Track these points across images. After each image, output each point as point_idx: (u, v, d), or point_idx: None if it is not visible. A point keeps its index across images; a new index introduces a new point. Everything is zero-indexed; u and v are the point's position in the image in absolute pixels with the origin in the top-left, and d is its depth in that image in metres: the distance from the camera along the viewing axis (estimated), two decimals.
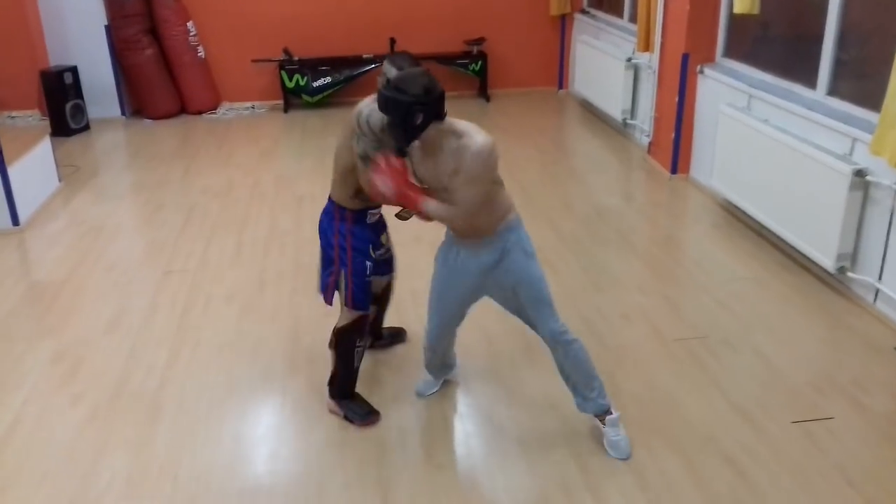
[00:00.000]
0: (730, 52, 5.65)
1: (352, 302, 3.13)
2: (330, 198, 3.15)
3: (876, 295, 3.98)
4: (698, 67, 5.72)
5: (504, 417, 3.26)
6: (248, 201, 5.69)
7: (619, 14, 7.45)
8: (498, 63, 8.57)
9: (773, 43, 5.49)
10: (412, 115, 2.59)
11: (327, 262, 3.18)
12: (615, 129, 7.27)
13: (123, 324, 4.04)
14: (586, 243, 4.90)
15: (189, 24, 7.87)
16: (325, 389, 3.29)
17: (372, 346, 3.64)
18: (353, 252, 3.11)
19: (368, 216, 3.14)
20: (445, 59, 8.32)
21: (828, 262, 4.14)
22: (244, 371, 3.61)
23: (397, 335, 3.82)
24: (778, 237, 4.68)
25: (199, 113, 8.12)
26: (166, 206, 5.64)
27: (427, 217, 2.78)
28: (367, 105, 2.91)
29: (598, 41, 7.60)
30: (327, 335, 3.72)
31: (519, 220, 2.93)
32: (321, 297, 3.25)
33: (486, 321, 3.83)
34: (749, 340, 3.80)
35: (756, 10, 4.87)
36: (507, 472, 2.95)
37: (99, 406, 3.37)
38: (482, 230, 2.85)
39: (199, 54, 7.98)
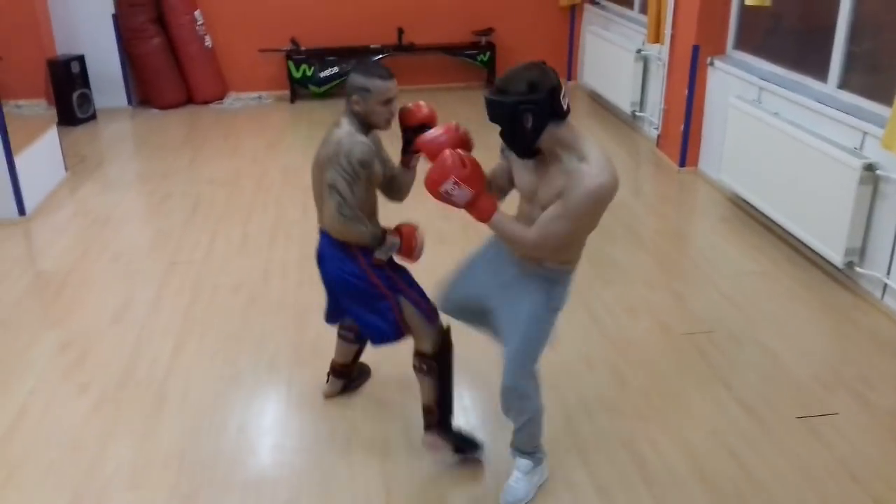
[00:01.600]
0: (741, 44, 5.61)
1: (430, 316, 2.83)
2: (338, 243, 2.76)
3: (884, 290, 3.95)
4: (709, 59, 5.68)
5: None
6: (255, 192, 5.69)
7: (630, 5, 7.40)
8: (506, 54, 8.51)
9: (784, 35, 5.45)
10: (520, 117, 2.22)
11: (376, 305, 2.80)
12: (624, 122, 7.23)
13: (129, 314, 4.05)
14: (593, 237, 4.79)
15: (196, 12, 7.85)
16: (422, 427, 2.95)
17: (344, 391, 3.36)
18: (395, 273, 2.83)
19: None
20: (453, 50, 8.30)
21: (836, 257, 4.11)
22: (250, 362, 3.61)
23: (366, 372, 3.47)
24: (786, 231, 4.66)
25: (206, 103, 8.11)
26: (172, 196, 5.64)
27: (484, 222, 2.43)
28: (350, 136, 2.67)
29: (607, 32, 7.56)
30: (332, 326, 3.55)
31: (569, 275, 2.58)
32: (382, 345, 2.89)
33: None
34: (755, 335, 3.79)
35: (768, 2, 4.83)
36: (510, 465, 2.95)
37: (105, 395, 3.38)
38: (533, 257, 2.51)
39: (206, 44, 7.96)
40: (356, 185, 2.66)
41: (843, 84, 4.45)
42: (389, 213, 3.05)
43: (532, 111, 2.22)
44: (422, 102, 2.85)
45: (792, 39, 5.35)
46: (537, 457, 2.79)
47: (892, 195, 3.85)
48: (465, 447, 2.95)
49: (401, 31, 8.16)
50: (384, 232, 2.80)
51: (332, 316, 3.11)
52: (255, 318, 3.98)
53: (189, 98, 8.09)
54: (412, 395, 3.33)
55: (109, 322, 3.98)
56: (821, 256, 4.32)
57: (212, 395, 3.38)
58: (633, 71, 6.73)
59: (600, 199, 2.27)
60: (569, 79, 8.79)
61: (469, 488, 2.86)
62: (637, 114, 6.88)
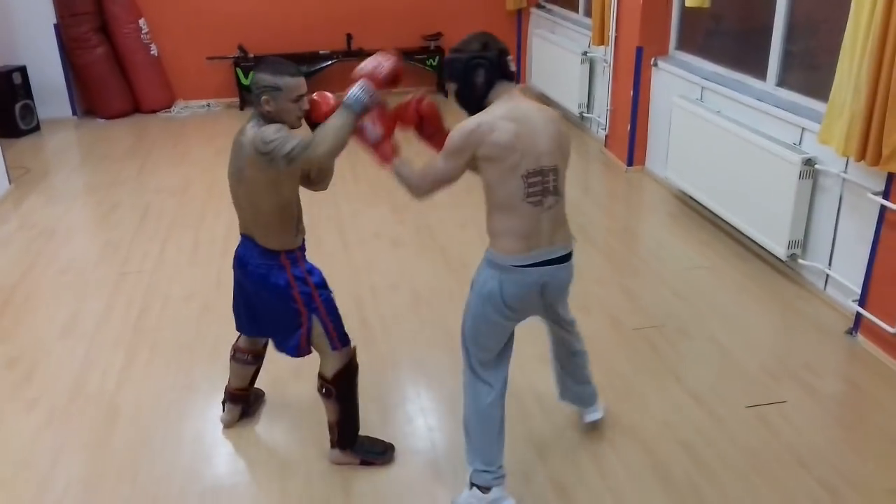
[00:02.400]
0: (683, 44, 5.73)
1: (339, 341, 2.82)
2: (264, 250, 2.71)
3: (826, 281, 4.08)
4: (652, 60, 5.79)
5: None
6: (205, 199, 5.63)
7: (575, 8, 7.51)
8: None
9: (724, 35, 5.58)
10: (472, 71, 2.48)
11: (287, 320, 2.78)
12: (572, 123, 7.33)
13: (78, 327, 3.97)
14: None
15: (141, 21, 7.74)
16: (327, 445, 2.99)
17: (242, 418, 3.24)
18: (317, 291, 2.77)
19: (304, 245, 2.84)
20: (403, 55, 8.28)
21: (779, 250, 4.23)
22: (203, 371, 3.58)
23: (260, 396, 3.37)
24: (731, 226, 4.77)
25: (153, 112, 8.00)
26: (121, 207, 5.55)
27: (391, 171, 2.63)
28: (252, 130, 2.58)
29: (553, 35, 7.66)
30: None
31: (495, 262, 2.51)
32: (287, 355, 2.88)
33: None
34: (704, 328, 3.88)
35: (707, 4, 4.95)
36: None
37: (55, 410, 3.32)
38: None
39: (151, 52, 7.85)
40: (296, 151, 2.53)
41: (781, 82, 4.58)
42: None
43: (484, 66, 2.48)
44: (328, 94, 2.77)
45: (732, 39, 5.49)
46: (483, 475, 2.66)
47: (831, 188, 3.98)
48: (371, 458, 2.97)
49: (349, 37, 8.16)
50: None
51: (249, 328, 3.02)
52: (208, 326, 3.94)
53: (136, 107, 7.97)
54: (367, 397, 3.35)
55: (58, 336, 3.90)
56: (765, 249, 4.44)
57: (165, 406, 3.33)
58: (579, 73, 6.83)
59: (458, 135, 2.44)
60: (517, 81, 8.88)
61: (427, 486, 2.87)
62: (585, 115, 6.98)
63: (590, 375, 3.06)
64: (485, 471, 2.67)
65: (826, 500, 2.76)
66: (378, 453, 2.99)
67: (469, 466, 2.70)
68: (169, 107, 8.10)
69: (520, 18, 8.65)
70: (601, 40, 6.30)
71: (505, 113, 2.44)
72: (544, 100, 8.02)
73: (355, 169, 6.00)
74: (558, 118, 2.58)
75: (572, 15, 7.52)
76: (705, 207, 5.05)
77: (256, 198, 2.63)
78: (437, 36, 8.36)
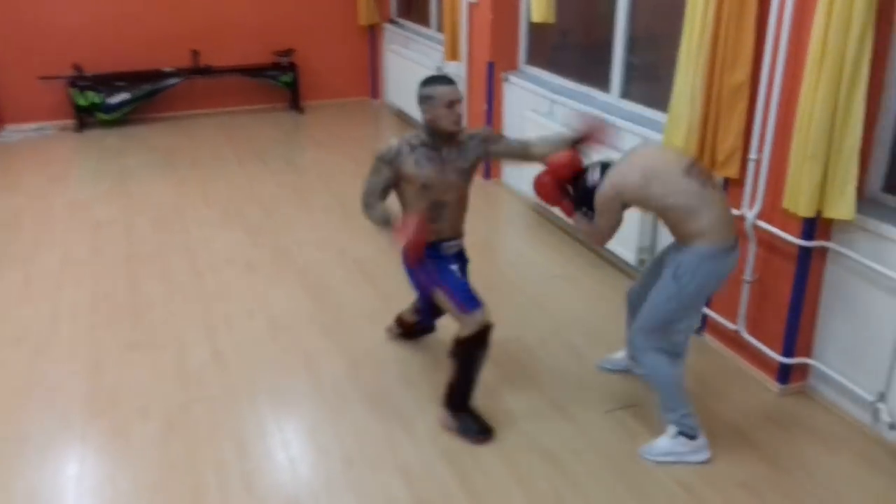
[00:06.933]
0: (532, 59, 5.86)
1: (462, 306, 3.02)
2: None
3: None
4: (503, 75, 5.88)
5: (328, 438, 3.16)
6: (38, 231, 5.21)
7: (427, 23, 7.55)
8: (309, 74, 8.43)
9: (570, 49, 5.75)
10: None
11: (421, 289, 3.20)
12: None
13: None
14: None
15: None
16: (441, 401, 3.22)
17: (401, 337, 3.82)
18: (435, 269, 3.11)
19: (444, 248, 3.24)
20: (254, 72, 8.08)
21: (630, 256, 4.37)
22: (37, 420, 3.27)
23: (428, 330, 3.79)
24: None
25: None
26: None
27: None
28: (399, 138, 3.20)
29: (407, 50, 7.66)
30: (133, 369, 3.52)
31: (704, 249, 2.84)
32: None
33: (308, 344, 3.72)
34: (562, 336, 3.93)
35: (552, 19, 5.08)
36: (332, 494, 2.86)
37: None
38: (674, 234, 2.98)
39: None
40: (375, 177, 3.13)
41: (625, 94, 4.75)
42: None
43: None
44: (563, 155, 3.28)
45: (577, 53, 5.66)
46: (682, 424, 3.00)
47: None
48: (470, 433, 3.11)
49: (196, 53, 7.84)
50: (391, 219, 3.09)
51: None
52: (41, 370, 3.62)
53: None
54: (224, 438, 3.17)
55: None
56: (617, 257, 4.58)
57: None
58: None
59: (604, 198, 2.99)
60: (373, 97, 8.83)
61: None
62: None
63: None
64: (690, 415, 3.01)
65: (683, 498, 2.84)
66: (475, 432, 3.11)
67: (671, 415, 3.01)
68: None
69: (373, 34, 8.61)
70: (454, 56, 6.34)
71: (626, 167, 2.93)
72: (401, 116, 8.02)
73: (206, 192, 5.74)
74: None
75: (425, 30, 7.56)
76: (560, 218, 5.16)
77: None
78: (289, 52, 8.18)
